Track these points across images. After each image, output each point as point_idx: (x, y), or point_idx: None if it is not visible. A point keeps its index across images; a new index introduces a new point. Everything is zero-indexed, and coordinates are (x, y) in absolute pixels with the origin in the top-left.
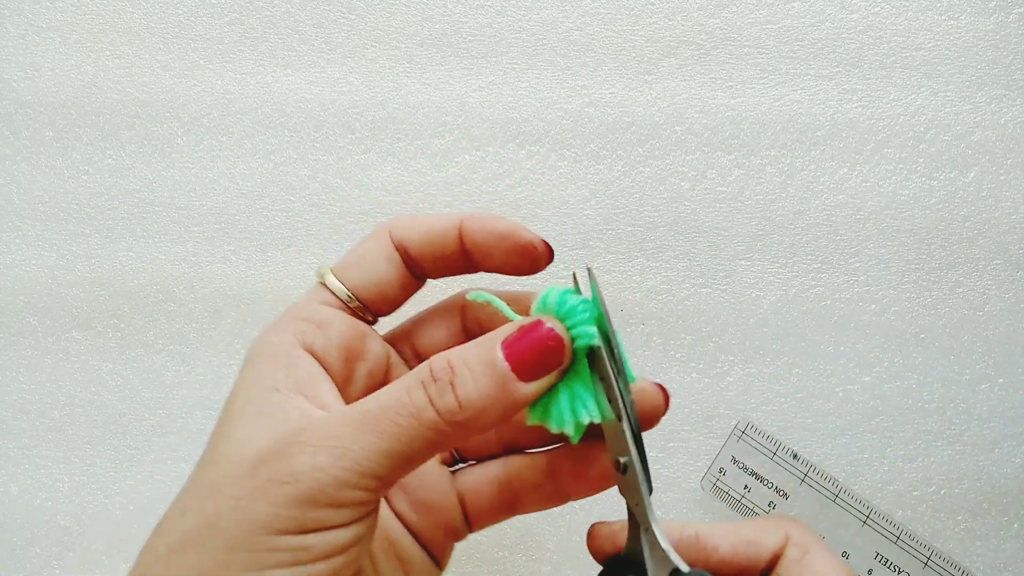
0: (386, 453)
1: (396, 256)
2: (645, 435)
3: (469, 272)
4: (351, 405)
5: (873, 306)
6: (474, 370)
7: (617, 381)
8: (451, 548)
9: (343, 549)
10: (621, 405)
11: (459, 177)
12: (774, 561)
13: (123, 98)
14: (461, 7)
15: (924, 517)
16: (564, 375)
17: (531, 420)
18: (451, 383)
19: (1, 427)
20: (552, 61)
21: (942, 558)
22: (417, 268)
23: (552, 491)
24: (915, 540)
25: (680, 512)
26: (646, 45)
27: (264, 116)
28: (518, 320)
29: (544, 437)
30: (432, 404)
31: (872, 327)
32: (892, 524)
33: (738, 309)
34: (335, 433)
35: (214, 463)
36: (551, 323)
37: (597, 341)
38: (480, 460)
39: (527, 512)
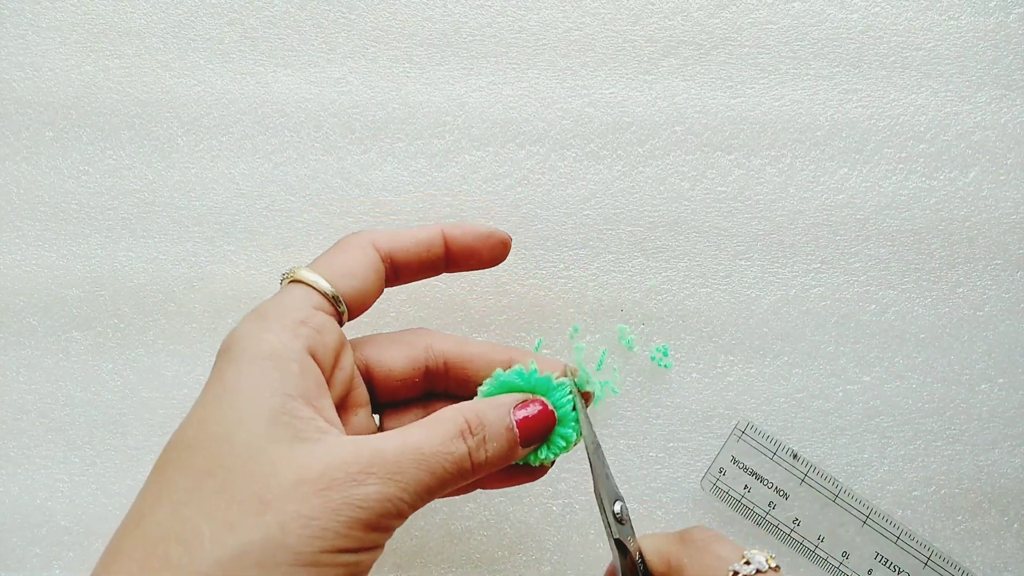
0: (429, 489)
1: (381, 267)
2: (647, 438)
3: (439, 274)
4: (397, 439)
5: (873, 306)
6: (499, 432)
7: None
8: None
9: (373, 563)
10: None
11: (459, 177)
12: None
13: (123, 98)
14: (461, 7)
15: (924, 517)
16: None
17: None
18: (484, 440)
19: (1, 427)
20: (552, 61)
21: (942, 558)
22: (394, 275)
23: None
24: (915, 540)
25: (680, 512)
26: (646, 45)
27: (264, 116)
28: (525, 396)
29: (468, 388)
30: (470, 456)
31: (872, 327)
32: (892, 524)
33: (738, 309)
34: (399, 470)
35: (252, 479)
36: (549, 406)
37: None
38: (403, 403)
39: None
